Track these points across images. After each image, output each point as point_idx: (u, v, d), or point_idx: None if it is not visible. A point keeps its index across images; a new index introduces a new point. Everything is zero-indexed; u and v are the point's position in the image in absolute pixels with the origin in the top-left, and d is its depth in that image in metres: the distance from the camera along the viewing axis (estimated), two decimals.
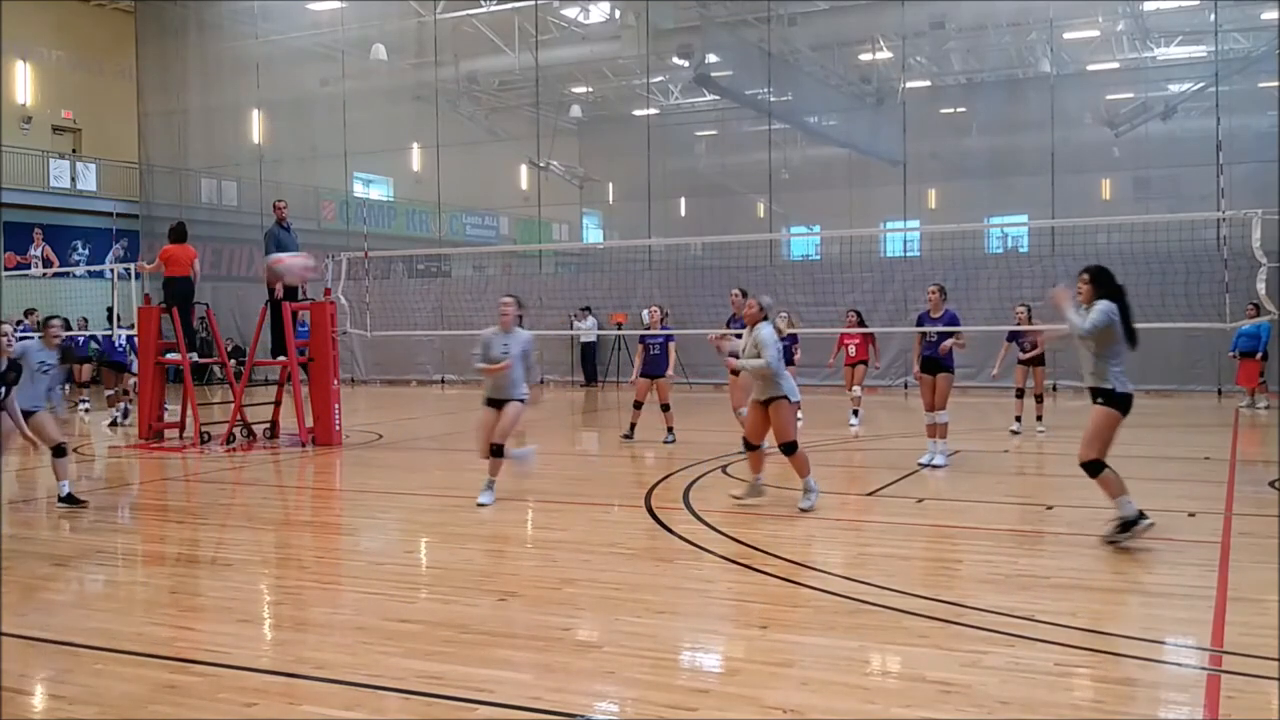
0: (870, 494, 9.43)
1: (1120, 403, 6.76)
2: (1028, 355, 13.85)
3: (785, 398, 8.32)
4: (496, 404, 8.84)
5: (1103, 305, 6.79)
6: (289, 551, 7.67)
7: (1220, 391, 19.48)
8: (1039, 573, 6.42)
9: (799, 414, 8.97)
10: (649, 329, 13.68)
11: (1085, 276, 6.97)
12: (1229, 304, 11.81)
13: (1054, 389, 20.23)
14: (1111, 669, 4.70)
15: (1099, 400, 6.81)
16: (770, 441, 8.51)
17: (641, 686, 4.50)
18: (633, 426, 13.27)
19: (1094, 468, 6.75)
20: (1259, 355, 17.34)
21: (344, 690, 4.52)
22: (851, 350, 15.07)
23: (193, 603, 6.11)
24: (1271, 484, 9.56)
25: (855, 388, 15.01)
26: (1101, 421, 6.77)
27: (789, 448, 8.35)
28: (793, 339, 14.71)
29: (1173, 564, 6.47)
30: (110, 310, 17.64)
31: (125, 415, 16.46)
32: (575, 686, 4.53)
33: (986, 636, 5.07)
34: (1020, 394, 14.03)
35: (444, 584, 6.48)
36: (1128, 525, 6.44)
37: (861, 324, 15.00)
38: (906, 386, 20.90)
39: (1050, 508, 8.53)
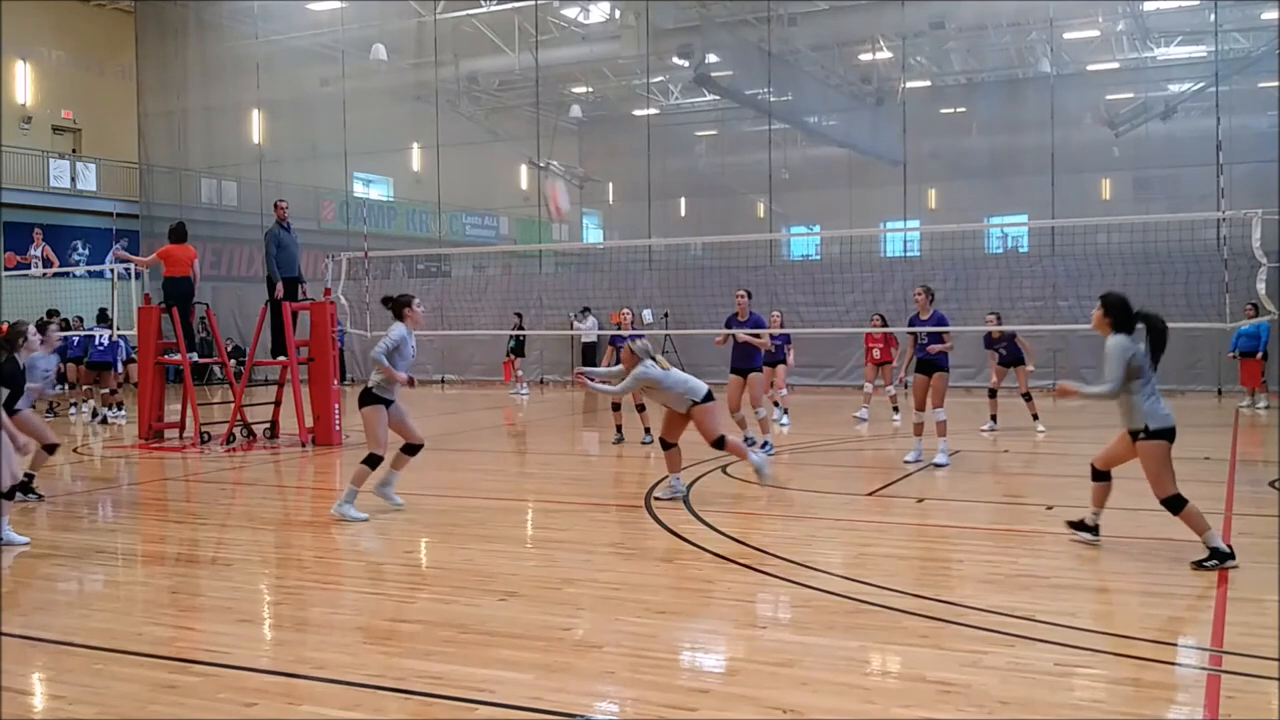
0: (870, 494, 9.43)
1: (1161, 435, 6.43)
2: (1028, 367, 14.27)
3: (696, 402, 8.85)
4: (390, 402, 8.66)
5: (1112, 347, 6.41)
6: (289, 551, 7.67)
7: (1220, 391, 19.47)
8: (1039, 573, 6.42)
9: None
10: (619, 329, 13.81)
11: (1099, 304, 6.59)
12: (1229, 304, 11.80)
13: (1054, 389, 20.25)
14: (1111, 669, 4.69)
15: (1141, 437, 6.46)
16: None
17: (641, 686, 4.50)
18: (618, 429, 13.30)
19: (1175, 504, 6.40)
20: (1259, 355, 17.35)
21: (344, 690, 4.52)
22: (876, 353, 15.49)
23: (193, 603, 6.11)
24: (1271, 484, 9.56)
25: (889, 387, 15.55)
26: (1153, 455, 6.43)
27: (719, 443, 8.90)
28: (786, 339, 14.74)
29: (1172, 564, 6.46)
30: (103, 311, 17.65)
31: (108, 409, 16.61)
32: (575, 686, 4.53)
33: (986, 636, 5.07)
34: (993, 394, 14.23)
35: (444, 584, 6.47)
36: (1221, 557, 6.25)
37: (885, 326, 15.31)
38: (907, 386, 20.90)
39: (1050, 508, 8.52)
